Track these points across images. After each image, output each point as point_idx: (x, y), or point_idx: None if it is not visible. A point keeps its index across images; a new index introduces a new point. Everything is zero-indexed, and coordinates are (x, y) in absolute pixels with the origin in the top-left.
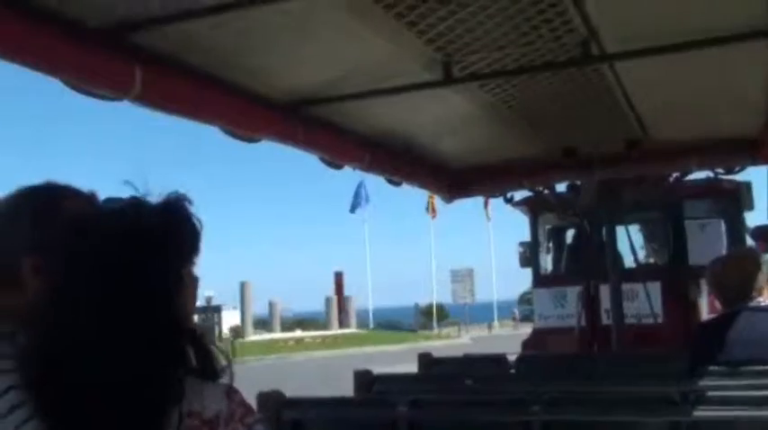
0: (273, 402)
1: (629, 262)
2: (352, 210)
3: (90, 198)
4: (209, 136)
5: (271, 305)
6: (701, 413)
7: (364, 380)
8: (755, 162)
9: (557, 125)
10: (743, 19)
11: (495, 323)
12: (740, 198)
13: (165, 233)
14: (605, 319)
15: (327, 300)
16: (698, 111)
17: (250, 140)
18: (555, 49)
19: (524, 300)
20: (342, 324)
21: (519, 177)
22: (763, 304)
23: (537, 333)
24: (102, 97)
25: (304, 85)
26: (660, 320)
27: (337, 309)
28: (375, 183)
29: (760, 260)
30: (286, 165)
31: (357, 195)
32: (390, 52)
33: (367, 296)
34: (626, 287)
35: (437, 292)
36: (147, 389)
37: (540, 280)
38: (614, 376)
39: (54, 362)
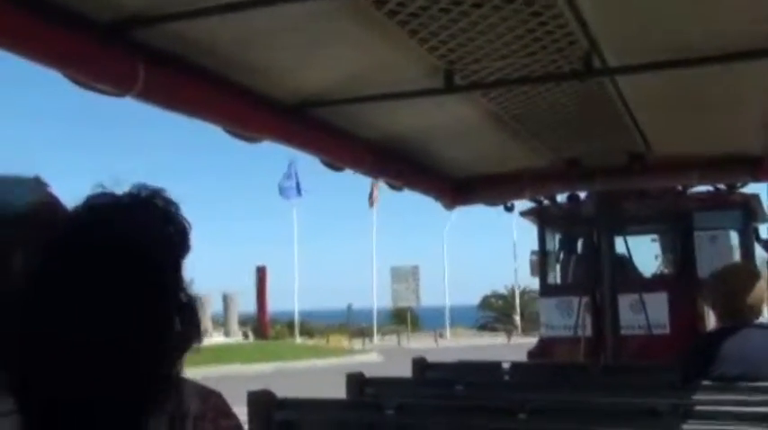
0: (264, 402)
1: (636, 272)
2: (283, 193)
3: (46, 188)
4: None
5: None
6: (687, 426)
7: (356, 382)
8: (756, 179)
9: (560, 136)
10: (747, 37)
11: (447, 331)
12: (750, 210)
13: (154, 242)
14: (620, 329)
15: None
16: (700, 126)
17: (252, 141)
18: (557, 61)
19: (486, 304)
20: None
21: (522, 187)
22: (756, 320)
23: (543, 342)
24: (105, 92)
25: (307, 88)
26: (667, 331)
27: (260, 311)
28: (308, 164)
29: (757, 274)
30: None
31: (288, 177)
32: (393, 59)
33: (293, 296)
34: (634, 298)
35: (380, 295)
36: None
37: (546, 289)
38: (607, 387)
39: (32, 364)
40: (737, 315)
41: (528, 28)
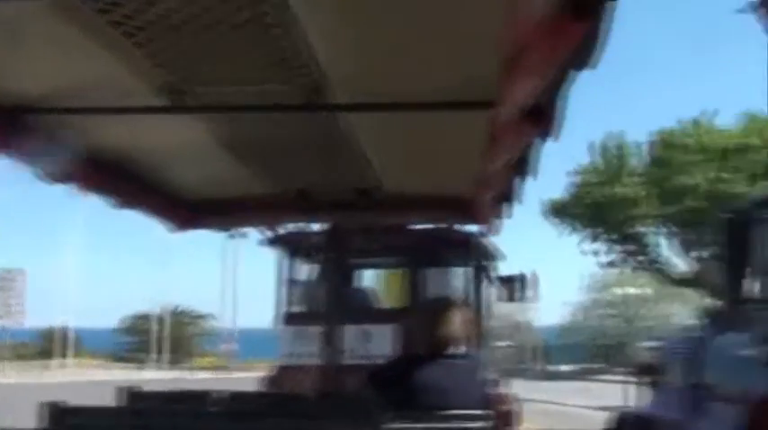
0: None
1: (367, 304)
2: None
3: None
4: None
5: None
6: None
7: (54, 411)
8: (467, 220)
9: (292, 166)
10: (459, 89)
11: (70, 360)
12: (471, 248)
13: None
14: (345, 359)
15: None
16: (420, 168)
17: None
18: (286, 92)
19: (130, 327)
20: None
21: (252, 214)
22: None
23: (279, 370)
24: None
25: (20, 93)
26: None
27: None
28: None
29: (456, 307)
30: None
31: None
32: (119, 71)
33: None
34: (364, 328)
35: None
36: None
37: (284, 318)
38: (314, 416)
39: None
40: (434, 346)
41: (258, 56)
